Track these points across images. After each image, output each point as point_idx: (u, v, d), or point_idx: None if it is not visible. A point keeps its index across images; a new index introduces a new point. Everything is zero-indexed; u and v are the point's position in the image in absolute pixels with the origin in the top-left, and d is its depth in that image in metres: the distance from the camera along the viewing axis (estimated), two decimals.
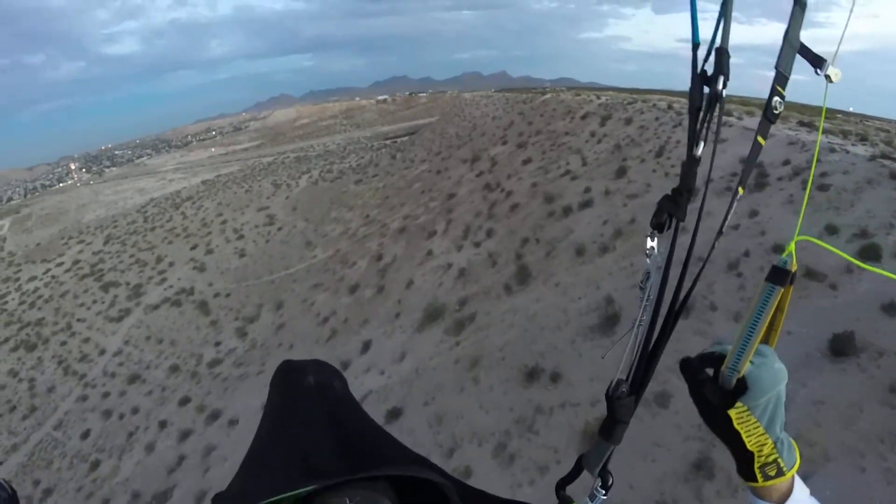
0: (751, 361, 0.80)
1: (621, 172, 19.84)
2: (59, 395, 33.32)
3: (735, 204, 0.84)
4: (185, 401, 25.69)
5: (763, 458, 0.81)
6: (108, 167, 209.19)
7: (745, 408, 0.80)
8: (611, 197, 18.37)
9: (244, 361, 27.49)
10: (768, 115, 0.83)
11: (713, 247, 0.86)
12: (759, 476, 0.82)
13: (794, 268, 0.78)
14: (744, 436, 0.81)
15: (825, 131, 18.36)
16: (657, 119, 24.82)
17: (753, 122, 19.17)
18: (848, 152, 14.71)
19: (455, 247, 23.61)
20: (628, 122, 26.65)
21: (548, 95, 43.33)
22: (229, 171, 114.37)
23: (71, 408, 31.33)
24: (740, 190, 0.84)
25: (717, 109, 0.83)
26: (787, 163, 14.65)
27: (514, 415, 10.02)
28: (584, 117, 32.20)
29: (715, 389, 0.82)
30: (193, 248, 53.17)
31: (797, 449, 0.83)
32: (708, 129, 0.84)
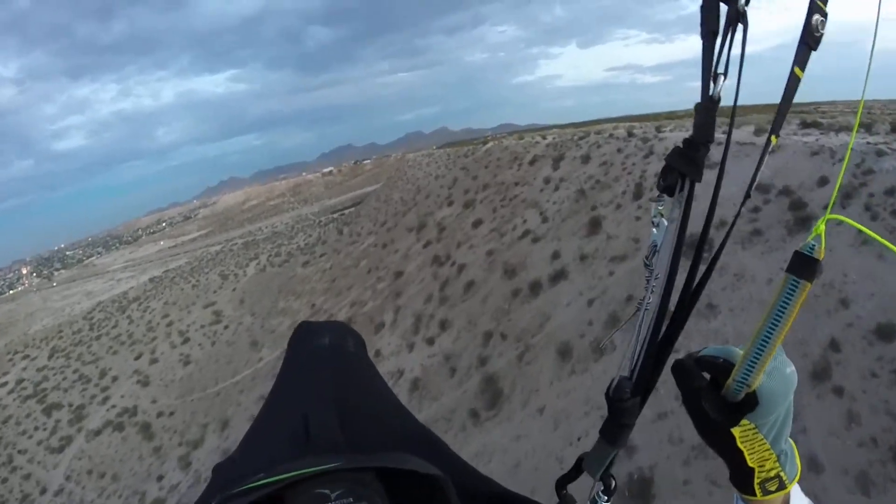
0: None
1: (594, 226, 15.61)
2: None
3: (767, 157, 0.68)
4: None
5: (765, 473, 0.69)
6: (59, 269, 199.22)
7: (753, 426, 0.66)
8: (589, 263, 14.01)
9: (187, 502, 22.74)
10: (807, 40, 0.66)
11: (738, 213, 0.72)
12: (758, 491, 0.70)
13: (821, 255, 0.60)
14: (746, 454, 0.68)
15: (835, 130, 14.67)
16: (620, 151, 20.96)
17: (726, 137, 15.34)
18: None
19: (406, 345, 18.77)
20: (586, 159, 22.80)
21: (490, 144, 39.99)
22: (177, 265, 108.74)
23: None
24: (773, 139, 0.69)
25: (739, 32, 0.66)
26: (824, 182, 10.60)
27: None
28: (532, 162, 28.39)
29: (716, 402, 0.67)
30: (138, 357, 48.46)
31: (798, 457, 0.72)
32: (728, 59, 0.67)
